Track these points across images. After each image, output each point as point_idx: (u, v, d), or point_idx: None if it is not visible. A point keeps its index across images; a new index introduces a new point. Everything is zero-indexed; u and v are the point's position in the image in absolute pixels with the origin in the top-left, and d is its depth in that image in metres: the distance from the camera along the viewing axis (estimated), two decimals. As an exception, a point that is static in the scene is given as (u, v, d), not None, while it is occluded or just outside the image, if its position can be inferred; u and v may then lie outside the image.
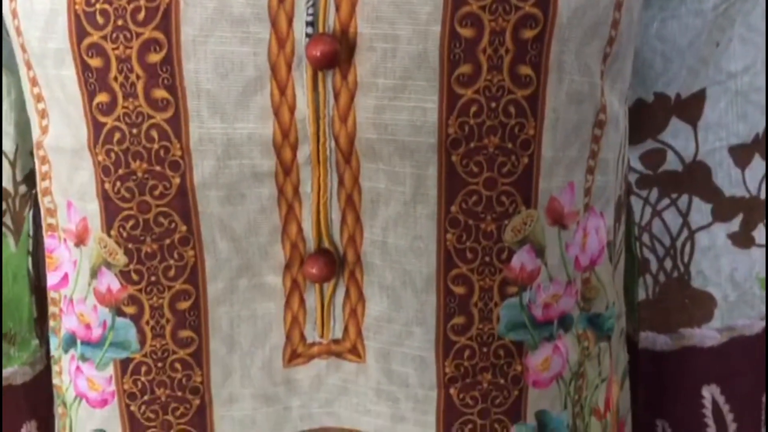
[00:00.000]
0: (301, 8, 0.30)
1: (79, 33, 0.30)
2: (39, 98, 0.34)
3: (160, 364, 0.34)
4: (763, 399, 0.54)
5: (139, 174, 0.32)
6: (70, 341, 0.36)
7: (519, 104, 0.31)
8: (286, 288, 0.34)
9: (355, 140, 0.31)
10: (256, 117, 0.31)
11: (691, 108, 0.48)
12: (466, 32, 0.30)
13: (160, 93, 0.30)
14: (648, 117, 0.48)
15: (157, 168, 0.31)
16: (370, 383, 0.35)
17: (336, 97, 0.31)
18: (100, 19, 0.30)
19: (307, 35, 0.30)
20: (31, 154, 0.40)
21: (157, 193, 0.32)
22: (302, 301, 0.34)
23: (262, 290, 0.34)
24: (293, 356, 0.35)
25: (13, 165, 0.42)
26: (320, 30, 0.30)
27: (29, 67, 0.33)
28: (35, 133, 0.35)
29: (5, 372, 0.42)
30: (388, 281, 0.34)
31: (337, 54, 0.30)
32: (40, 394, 0.43)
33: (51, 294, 0.37)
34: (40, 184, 0.36)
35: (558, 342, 0.36)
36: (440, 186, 0.32)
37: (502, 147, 0.32)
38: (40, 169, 0.35)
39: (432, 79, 0.31)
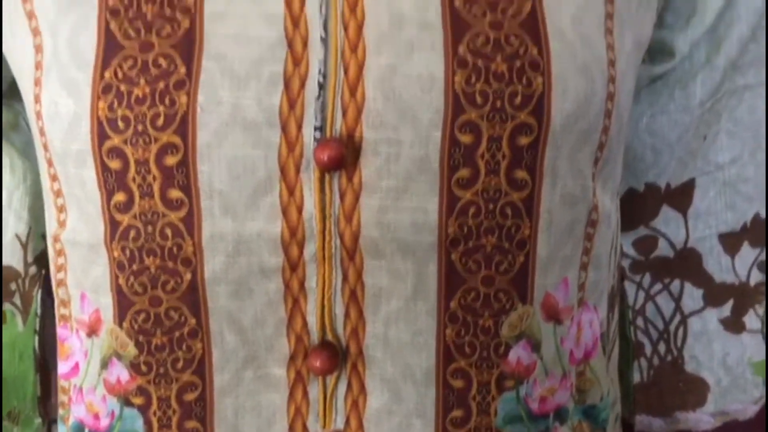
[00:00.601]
0: (310, 114, 0.32)
1: (101, 136, 0.32)
2: (58, 194, 0.35)
3: None
4: None
5: (152, 269, 0.33)
6: (79, 430, 0.37)
7: (515, 206, 0.33)
8: (290, 380, 0.35)
9: (359, 239, 0.33)
10: (265, 216, 0.32)
11: (681, 197, 0.50)
12: (466, 138, 0.32)
13: (175, 193, 0.32)
14: (640, 205, 0.50)
15: (170, 264, 0.33)
16: None
17: (342, 197, 0.32)
18: (121, 124, 0.31)
19: (315, 139, 0.32)
20: (43, 237, 0.42)
21: (168, 287, 0.33)
22: (305, 392, 0.35)
23: (267, 381, 0.35)
24: None
25: (24, 247, 0.44)
26: (328, 135, 0.32)
27: (50, 164, 0.35)
28: (52, 225, 0.36)
29: None
30: (389, 374, 0.35)
31: (343, 158, 0.32)
32: None
33: (61, 382, 0.38)
34: (55, 276, 0.37)
35: None
36: (440, 283, 0.33)
37: (500, 246, 0.33)
38: (55, 261, 0.36)
39: (433, 182, 0.32)
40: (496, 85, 0.32)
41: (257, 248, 0.33)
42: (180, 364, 0.34)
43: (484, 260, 0.33)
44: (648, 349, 0.53)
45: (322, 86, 0.32)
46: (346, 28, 0.32)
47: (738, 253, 0.51)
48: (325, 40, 0.32)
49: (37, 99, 0.34)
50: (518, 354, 0.35)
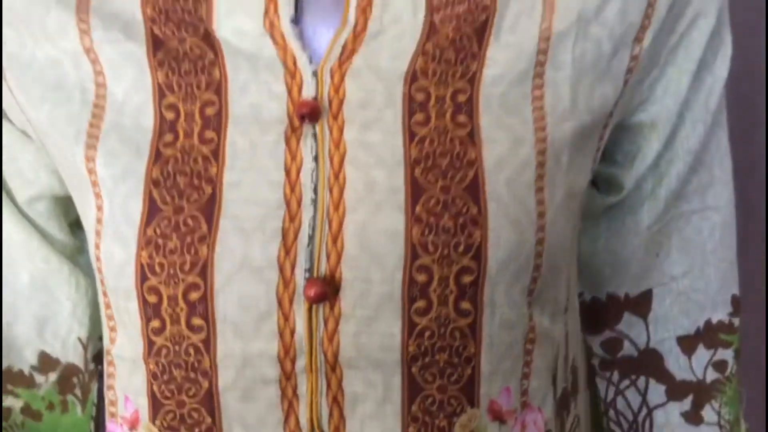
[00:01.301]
0: (301, 259, 0.41)
1: (142, 278, 0.41)
2: (110, 318, 0.45)
3: None
4: None
5: (178, 379, 0.42)
6: None
7: (462, 330, 0.41)
8: None
9: (339, 356, 0.41)
10: (265, 338, 0.41)
11: (640, 305, 0.56)
12: (421, 278, 0.41)
13: (197, 321, 0.41)
14: (604, 312, 0.57)
15: (192, 375, 0.42)
16: None
17: (325, 324, 0.41)
18: (157, 269, 0.41)
19: (305, 279, 0.41)
20: (100, 338, 0.51)
21: (191, 393, 0.42)
22: None
23: None
24: None
25: (85, 348, 0.54)
26: (314, 275, 0.41)
27: (105, 294, 0.44)
28: (106, 341, 0.46)
29: None
30: None
31: (326, 294, 0.41)
32: None
33: None
34: (106, 381, 0.46)
35: None
36: (403, 390, 0.42)
37: (450, 362, 0.41)
38: (107, 369, 0.46)
39: (396, 312, 0.41)
40: (444, 237, 0.41)
41: (259, 363, 0.42)
42: None
43: (438, 373, 0.41)
44: (620, 438, 0.60)
45: (311, 238, 0.41)
46: (331, 192, 0.42)
47: (694, 353, 0.57)
48: (314, 201, 0.42)
49: (96, 246, 0.44)
50: None
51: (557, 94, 0.44)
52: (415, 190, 0.41)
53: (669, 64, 0.50)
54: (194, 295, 0.41)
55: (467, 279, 0.41)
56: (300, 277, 0.41)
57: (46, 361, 0.53)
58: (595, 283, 0.56)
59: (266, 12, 0.44)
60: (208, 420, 0.43)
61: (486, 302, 0.41)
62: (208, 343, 0.42)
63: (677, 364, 0.56)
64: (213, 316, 0.41)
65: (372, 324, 0.41)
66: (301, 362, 0.42)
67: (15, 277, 0.51)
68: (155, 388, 0.43)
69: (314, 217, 0.42)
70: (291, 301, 0.41)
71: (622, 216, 0.54)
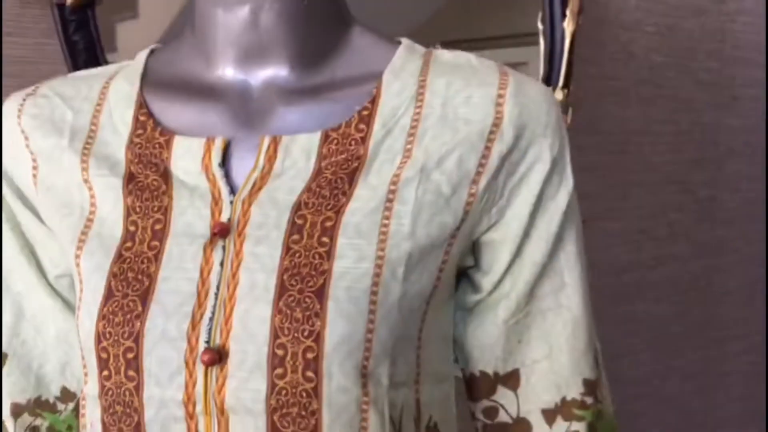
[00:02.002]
0: (203, 333, 0.59)
1: (98, 341, 0.59)
2: (84, 366, 0.63)
3: None
4: None
5: (119, 413, 0.58)
6: None
7: (308, 391, 0.57)
8: None
9: (225, 403, 0.58)
10: (176, 388, 0.58)
11: (510, 380, 0.69)
12: (280, 352, 0.57)
13: (131, 373, 0.57)
14: (480, 385, 0.70)
15: (127, 410, 0.59)
16: None
17: (216, 380, 0.59)
18: (108, 336, 0.60)
19: (204, 348, 0.59)
20: None
21: (127, 423, 0.60)
22: None
23: None
24: None
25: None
26: (211, 346, 0.59)
27: (81, 350, 0.64)
28: (82, 383, 0.66)
29: None
30: None
31: (216, 359, 0.58)
32: None
33: None
34: (81, 412, 0.65)
35: None
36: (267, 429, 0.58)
37: (300, 413, 0.57)
38: (81, 403, 0.64)
39: (263, 375, 0.57)
40: (295, 324, 0.57)
41: (171, 405, 0.60)
42: None
43: (291, 421, 0.58)
44: (501, 488, 0.73)
45: (211, 319, 0.60)
46: (228, 288, 0.60)
47: (554, 423, 0.69)
48: (216, 294, 0.60)
49: (77, 317, 0.64)
50: None
51: (399, 222, 0.61)
52: (281, 290, 0.59)
53: (515, 196, 0.65)
54: (129, 355, 0.60)
55: (310, 355, 0.57)
56: (201, 346, 0.59)
57: (66, 394, 0.74)
58: (468, 361, 0.70)
59: (203, 157, 0.64)
60: None
61: (324, 373, 0.58)
62: (138, 388, 0.60)
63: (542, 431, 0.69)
64: (141, 370, 0.60)
65: (247, 382, 0.58)
66: (200, 407, 0.60)
67: (45, 331, 0.72)
68: (105, 418, 0.62)
69: (215, 305, 0.60)
70: (194, 363, 0.59)
71: (485, 310, 0.68)
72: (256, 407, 0.58)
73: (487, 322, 0.68)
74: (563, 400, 0.68)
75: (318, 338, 0.57)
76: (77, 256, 0.64)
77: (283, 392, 0.58)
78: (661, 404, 1.74)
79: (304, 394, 0.58)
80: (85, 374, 0.65)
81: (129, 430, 0.61)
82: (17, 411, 0.73)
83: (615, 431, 0.74)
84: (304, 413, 0.58)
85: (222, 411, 0.59)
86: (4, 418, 0.74)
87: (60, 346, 0.72)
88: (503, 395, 0.70)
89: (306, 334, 0.57)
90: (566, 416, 0.69)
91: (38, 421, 0.74)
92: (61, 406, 0.74)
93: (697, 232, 1.74)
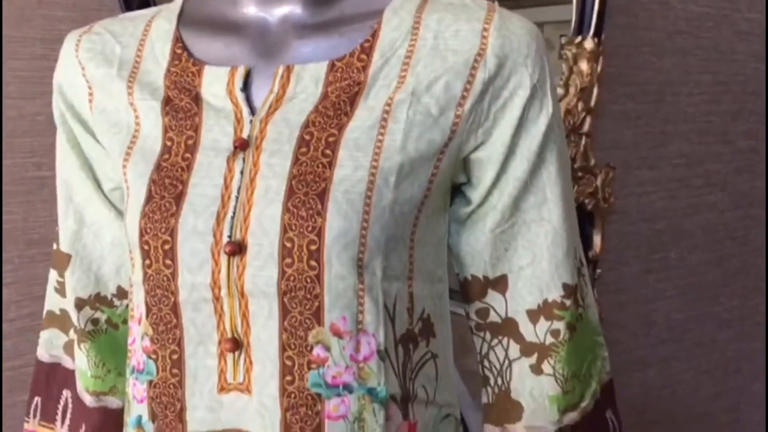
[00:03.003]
0: (226, 228, 0.69)
1: (140, 235, 0.72)
2: (130, 259, 0.76)
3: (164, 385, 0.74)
4: None
5: (159, 295, 0.68)
6: (131, 368, 0.77)
7: (311, 278, 0.68)
8: (218, 354, 0.72)
9: (244, 288, 0.69)
10: (204, 274, 0.68)
11: (499, 285, 0.78)
12: (288, 245, 0.68)
13: (167, 262, 0.68)
14: (472, 288, 0.79)
15: (166, 293, 0.69)
16: (254, 405, 0.71)
17: (237, 268, 0.69)
18: (148, 231, 0.71)
19: (227, 241, 0.70)
20: None
21: (165, 304, 0.71)
22: (225, 360, 0.72)
23: (208, 354, 0.72)
24: (221, 389, 0.73)
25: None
26: (232, 239, 0.69)
27: (128, 245, 0.76)
28: (129, 272, 0.78)
29: (114, 401, 0.85)
30: (261, 356, 0.70)
31: (236, 251, 0.69)
32: (120, 417, 0.84)
33: (129, 347, 0.79)
34: (129, 297, 0.78)
35: (344, 398, 0.70)
36: (279, 312, 0.68)
37: (305, 296, 0.68)
38: (129, 290, 0.77)
39: (274, 264, 0.68)
40: (301, 221, 0.68)
41: (201, 289, 0.71)
42: (170, 340, 0.73)
43: (298, 303, 0.68)
44: (491, 381, 0.81)
45: (232, 218, 0.70)
46: (246, 192, 0.70)
47: (537, 323, 0.77)
48: (237, 197, 0.71)
49: (125, 217, 0.76)
50: (318, 351, 0.69)
51: (393, 138, 0.70)
52: (289, 193, 0.69)
53: (499, 118, 0.73)
54: (166, 247, 0.71)
55: (313, 247, 0.68)
56: (224, 240, 0.70)
57: (120, 292, 0.86)
58: (462, 267, 0.79)
59: (228, 83, 0.74)
60: (174, 321, 0.73)
61: (325, 262, 0.68)
62: (174, 275, 0.72)
63: (527, 330, 0.77)
64: (176, 259, 0.71)
65: (262, 270, 0.69)
66: (224, 290, 0.71)
67: (103, 237, 0.85)
68: (148, 300, 0.74)
69: (236, 206, 0.70)
70: (219, 254, 0.70)
71: (476, 221, 0.77)
72: (270, 290, 0.69)
73: (477, 231, 0.77)
74: (545, 301, 0.77)
75: (320, 233, 0.68)
76: (124, 167, 0.76)
77: (291, 278, 0.68)
78: (695, 349, 1.79)
79: (308, 280, 0.68)
80: (132, 265, 0.77)
81: (167, 310, 0.73)
82: (80, 304, 0.86)
83: (598, 337, 0.82)
84: (308, 296, 0.68)
85: (242, 294, 0.70)
86: (68, 306, 0.87)
87: (115, 250, 0.84)
88: (493, 298, 0.79)
89: (309, 229, 0.68)
90: (548, 316, 0.77)
91: (98, 314, 0.86)
92: (117, 302, 0.86)
93: (735, 182, 1.77)
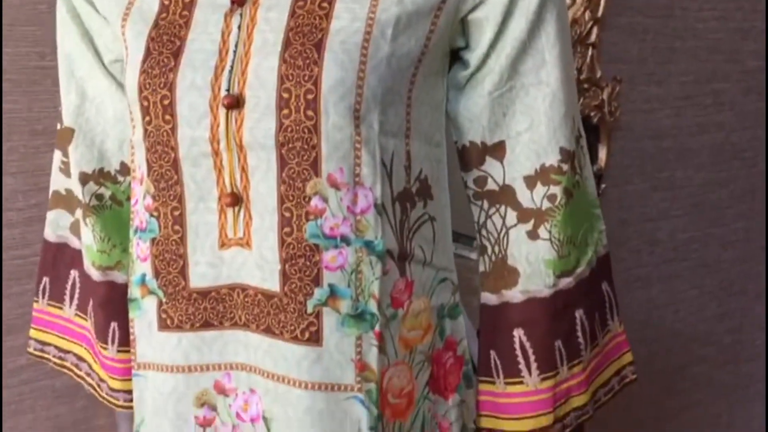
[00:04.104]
0: (224, 82, 0.70)
1: (140, 90, 0.72)
2: (131, 119, 0.76)
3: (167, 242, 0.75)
4: (557, 343, 0.81)
5: (159, 152, 0.70)
6: (134, 229, 0.79)
7: (309, 128, 0.68)
8: (218, 210, 0.73)
9: (243, 141, 0.70)
10: (203, 128, 0.70)
11: (497, 151, 0.78)
12: (285, 95, 0.68)
13: (167, 117, 0.68)
14: (470, 155, 0.80)
15: (166, 149, 0.71)
16: (254, 258, 0.73)
17: (235, 121, 0.70)
18: (147, 86, 0.71)
19: (225, 94, 0.70)
20: None
21: (165, 160, 0.72)
22: (225, 216, 0.73)
23: (208, 210, 0.73)
24: (222, 245, 0.74)
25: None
26: (230, 92, 0.70)
27: (128, 104, 0.77)
28: (129, 134, 0.78)
29: (120, 276, 0.86)
30: (260, 209, 0.71)
31: (235, 103, 0.70)
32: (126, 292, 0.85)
33: (132, 208, 0.80)
34: (130, 158, 0.79)
35: (341, 249, 0.71)
36: (277, 163, 0.69)
37: (303, 147, 0.69)
38: (130, 151, 0.78)
39: (272, 115, 0.68)
40: (298, 71, 0.68)
41: (200, 143, 0.71)
42: (171, 197, 0.74)
43: (296, 154, 0.69)
44: (489, 250, 0.81)
45: (230, 71, 0.71)
46: (244, 46, 0.71)
47: (534, 188, 0.78)
48: (235, 51, 0.71)
49: (125, 77, 0.76)
50: (315, 202, 0.70)
51: None
52: (286, 45, 0.69)
53: None
54: (165, 102, 0.72)
55: (310, 96, 0.68)
56: (222, 93, 0.71)
57: (124, 168, 0.87)
58: (460, 133, 0.79)
59: None
60: (175, 177, 0.74)
61: (322, 111, 0.68)
62: (174, 130, 0.72)
63: (524, 197, 0.78)
64: (175, 114, 0.72)
65: (260, 122, 0.70)
66: (223, 144, 0.71)
67: (105, 111, 0.85)
68: (148, 157, 0.75)
69: (233, 61, 0.71)
70: (218, 107, 0.71)
71: (474, 85, 0.77)
72: (268, 143, 0.70)
73: (476, 95, 0.77)
74: (542, 166, 0.77)
75: (316, 82, 0.68)
76: (123, 26, 0.76)
77: (289, 129, 0.69)
78: (699, 269, 1.79)
79: (305, 131, 0.69)
80: (133, 126, 0.77)
81: (168, 166, 0.73)
82: (84, 179, 0.87)
83: (595, 209, 0.82)
84: (306, 147, 0.69)
85: (241, 147, 0.71)
86: (73, 185, 0.88)
87: (117, 125, 0.85)
88: (491, 165, 0.79)
89: (306, 78, 0.68)
90: (545, 181, 0.77)
91: (102, 190, 0.87)
92: (120, 178, 0.87)
93: (743, 102, 1.76)
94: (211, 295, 0.75)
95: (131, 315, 0.80)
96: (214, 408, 0.77)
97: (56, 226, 0.93)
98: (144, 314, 0.78)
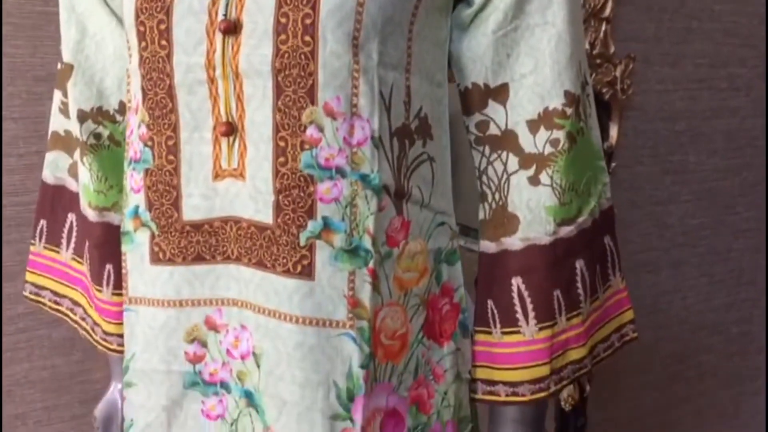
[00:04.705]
0: (221, 8, 0.69)
1: (136, 16, 0.71)
2: (127, 49, 0.75)
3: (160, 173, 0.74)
4: (555, 293, 0.79)
5: (155, 79, 0.70)
6: (128, 160, 0.78)
7: (306, 54, 0.67)
8: (212, 140, 0.72)
9: (239, 68, 0.69)
10: (199, 54, 0.69)
11: (500, 94, 0.77)
12: (283, 20, 0.67)
13: (163, 42, 0.67)
14: (472, 98, 0.78)
15: (161, 76, 0.70)
16: (247, 189, 0.71)
17: (231, 47, 0.69)
18: (144, 11, 0.69)
19: (222, 19, 0.69)
20: None
21: (160, 87, 0.71)
22: (220, 147, 0.72)
23: (203, 140, 0.72)
24: (216, 176, 0.73)
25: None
26: (227, 17, 0.69)
27: (126, 33, 0.76)
28: (126, 63, 0.77)
29: (116, 217, 0.84)
30: (255, 138, 0.70)
31: (231, 28, 0.68)
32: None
33: (128, 139, 0.79)
34: (126, 88, 0.78)
35: (336, 181, 0.69)
36: (273, 91, 0.68)
37: (300, 74, 0.67)
38: (126, 80, 0.77)
39: (269, 41, 0.67)
40: None
41: (195, 70, 0.70)
42: (166, 126, 0.73)
43: (292, 81, 0.67)
44: (489, 197, 0.80)
45: None
46: None
47: (537, 133, 0.76)
48: None
49: (122, 4, 0.75)
50: (311, 132, 0.69)
51: None
52: None
53: None
54: (162, 27, 0.71)
55: (308, 21, 0.67)
56: (220, 18, 0.70)
57: (122, 108, 0.86)
58: (463, 75, 0.78)
59: None
60: (170, 105, 0.73)
61: (320, 37, 0.67)
62: (169, 56, 0.71)
63: (526, 141, 0.76)
64: (171, 40, 0.71)
65: (257, 49, 0.68)
66: (219, 71, 0.70)
67: (105, 48, 0.84)
68: (144, 84, 0.74)
69: None
70: (214, 33, 0.70)
71: (478, 24, 0.75)
72: (264, 69, 0.68)
73: (479, 35, 0.75)
74: (545, 110, 0.75)
75: (314, 6, 0.67)
76: None
77: (286, 56, 0.68)
78: (708, 256, 1.77)
79: (302, 57, 0.68)
80: (130, 55, 0.76)
81: (163, 93, 0.72)
82: (83, 116, 0.86)
83: (599, 161, 0.80)
84: (303, 74, 0.68)
85: (237, 75, 0.69)
86: (72, 125, 0.87)
87: (117, 62, 0.84)
88: (493, 109, 0.77)
89: (304, 2, 0.67)
90: (548, 125, 0.75)
91: (100, 129, 0.86)
92: (119, 118, 0.86)
93: (759, 88, 1.74)
94: (204, 228, 0.73)
95: (124, 248, 0.79)
96: (204, 344, 0.76)
97: (55, 167, 0.92)
98: (136, 247, 0.77)
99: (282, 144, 0.69)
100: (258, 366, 0.73)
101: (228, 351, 0.75)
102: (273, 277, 0.70)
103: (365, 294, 0.71)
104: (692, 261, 1.73)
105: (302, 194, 0.69)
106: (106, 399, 0.94)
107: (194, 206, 0.73)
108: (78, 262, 0.91)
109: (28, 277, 0.96)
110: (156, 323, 0.76)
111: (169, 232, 0.75)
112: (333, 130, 0.68)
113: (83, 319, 0.92)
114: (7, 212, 1.07)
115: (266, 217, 0.70)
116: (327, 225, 0.69)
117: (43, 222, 0.94)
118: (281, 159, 0.69)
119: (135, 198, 0.77)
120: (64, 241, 0.93)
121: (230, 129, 0.70)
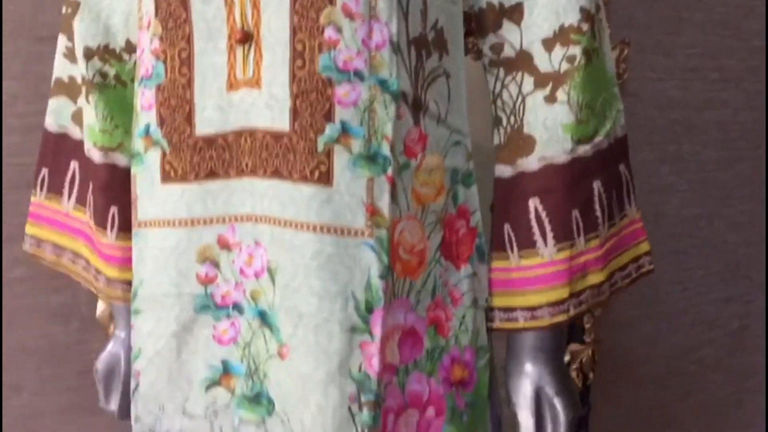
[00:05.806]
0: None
1: None
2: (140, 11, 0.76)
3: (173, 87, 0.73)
4: (574, 213, 0.78)
5: None
6: (139, 78, 0.76)
7: None
8: (227, 48, 0.71)
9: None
10: None
11: (514, 14, 0.76)
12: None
13: None
14: (486, 19, 0.77)
15: None
16: (263, 98, 0.70)
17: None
18: None
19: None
20: None
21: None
22: (235, 55, 0.71)
23: (217, 50, 0.71)
24: (231, 86, 0.71)
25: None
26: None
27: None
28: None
29: (122, 158, 0.83)
30: (271, 43, 0.69)
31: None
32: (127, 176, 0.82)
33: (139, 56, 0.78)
34: (139, 33, 0.78)
35: (355, 84, 0.68)
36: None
37: None
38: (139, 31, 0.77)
39: (286, 19, 0.67)
40: None
41: None
42: (179, 37, 0.72)
43: None
44: (504, 121, 0.79)
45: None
46: None
47: (553, 51, 0.76)
48: None
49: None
50: (329, 33, 0.68)
51: None
52: None
53: None
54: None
55: (314, 14, 0.67)
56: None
57: (129, 46, 0.85)
58: None
59: None
60: (184, 15, 0.72)
61: None
62: None
63: (541, 60, 0.76)
64: None
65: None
66: None
67: None
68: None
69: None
70: None
71: None
72: None
73: None
74: (561, 27, 0.75)
75: None
76: None
77: None
78: (706, 248, 1.76)
79: None
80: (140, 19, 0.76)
81: (176, 3, 0.71)
82: (89, 54, 0.85)
83: (613, 87, 0.80)
84: None
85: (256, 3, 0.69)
86: (76, 70, 0.86)
87: None
88: (508, 29, 0.77)
89: None
90: (564, 42, 0.75)
91: (106, 68, 0.85)
92: (126, 57, 0.85)
93: (750, 81, 1.75)
94: (217, 142, 0.72)
95: (133, 171, 0.77)
96: (216, 264, 0.74)
97: (58, 115, 0.91)
98: (146, 169, 0.76)
99: (299, 47, 0.68)
100: (273, 282, 0.71)
101: (241, 270, 0.73)
102: (290, 185, 0.69)
103: (384, 202, 0.69)
104: (690, 251, 1.73)
105: (320, 97, 0.68)
106: (108, 350, 0.91)
107: (208, 119, 0.72)
108: (80, 211, 0.89)
109: (28, 229, 0.94)
110: (167, 244, 0.74)
111: (181, 149, 0.73)
112: (352, 31, 0.68)
113: (85, 269, 0.89)
114: (7, 172, 1.05)
115: (283, 123, 0.69)
116: (345, 129, 0.68)
117: (44, 171, 0.92)
118: (298, 62, 0.68)
119: (146, 116, 0.75)
120: (66, 190, 0.91)
121: (246, 36, 0.70)
